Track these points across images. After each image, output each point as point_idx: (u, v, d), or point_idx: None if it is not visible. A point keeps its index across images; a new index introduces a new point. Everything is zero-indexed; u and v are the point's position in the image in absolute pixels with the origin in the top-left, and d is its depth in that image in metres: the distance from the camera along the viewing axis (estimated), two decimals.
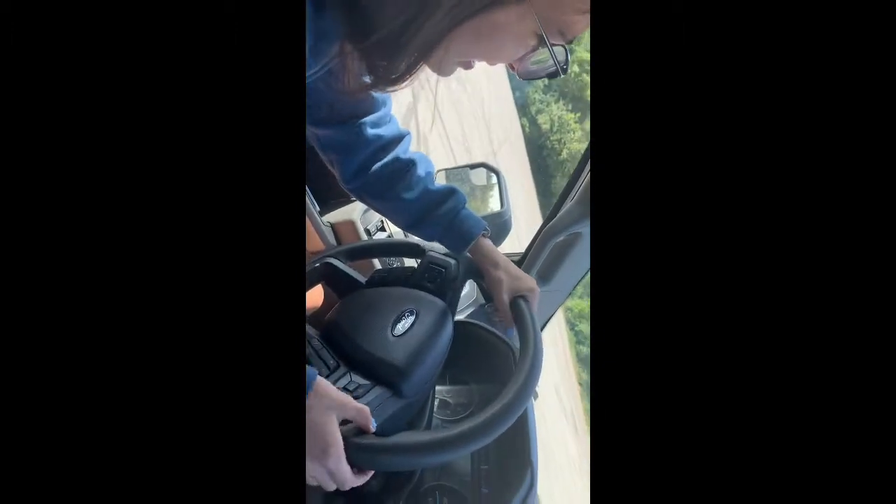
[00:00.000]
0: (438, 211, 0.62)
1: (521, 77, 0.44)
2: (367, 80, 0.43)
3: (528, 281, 0.59)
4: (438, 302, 0.59)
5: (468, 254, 0.63)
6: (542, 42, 0.38)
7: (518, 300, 0.58)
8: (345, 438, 0.41)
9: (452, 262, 0.64)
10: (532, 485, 0.58)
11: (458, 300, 0.64)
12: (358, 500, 0.57)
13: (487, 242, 0.63)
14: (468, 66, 0.42)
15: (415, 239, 0.68)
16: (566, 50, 0.40)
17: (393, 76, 0.41)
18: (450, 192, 0.63)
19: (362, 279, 0.65)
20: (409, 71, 0.40)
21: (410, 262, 0.75)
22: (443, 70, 0.42)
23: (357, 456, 0.43)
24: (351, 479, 0.41)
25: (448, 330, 0.57)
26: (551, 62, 0.40)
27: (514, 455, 0.62)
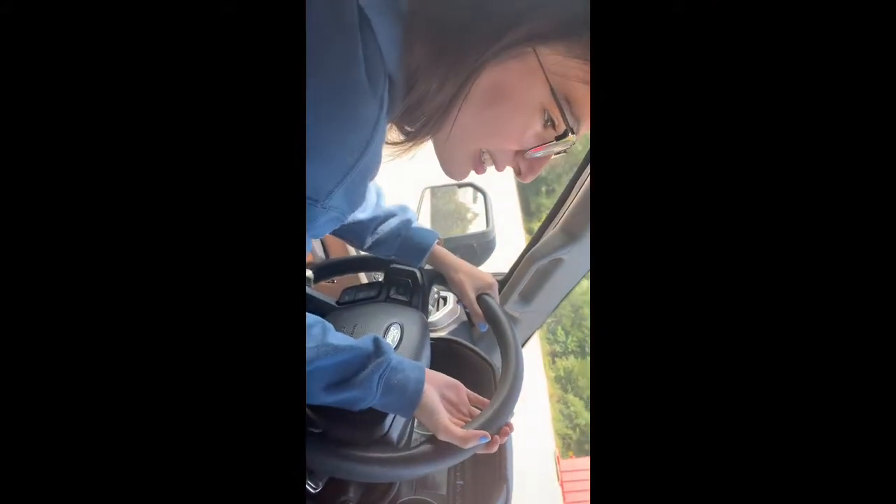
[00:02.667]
0: (391, 227, 0.66)
1: (528, 178, 0.41)
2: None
3: (487, 277, 0.68)
4: (416, 312, 0.63)
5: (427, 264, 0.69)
6: (549, 115, 0.36)
7: (484, 297, 0.66)
8: (335, 452, 0.44)
9: (416, 271, 0.69)
10: (507, 501, 0.60)
11: (427, 306, 0.69)
12: None
13: (441, 249, 0.69)
14: (478, 162, 0.41)
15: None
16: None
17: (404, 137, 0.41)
18: (400, 209, 0.67)
19: (332, 300, 0.68)
20: (416, 137, 0.40)
21: None
22: (455, 162, 0.42)
23: (338, 466, 0.45)
24: (461, 434, 0.46)
25: (428, 338, 0.61)
26: (558, 148, 0.38)
27: (489, 471, 0.64)
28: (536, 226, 0.83)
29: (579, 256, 0.71)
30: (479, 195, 1.08)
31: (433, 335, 0.75)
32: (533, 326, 0.92)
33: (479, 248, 1.03)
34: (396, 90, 0.36)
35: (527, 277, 0.77)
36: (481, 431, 0.47)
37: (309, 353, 0.41)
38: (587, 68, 0.34)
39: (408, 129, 0.41)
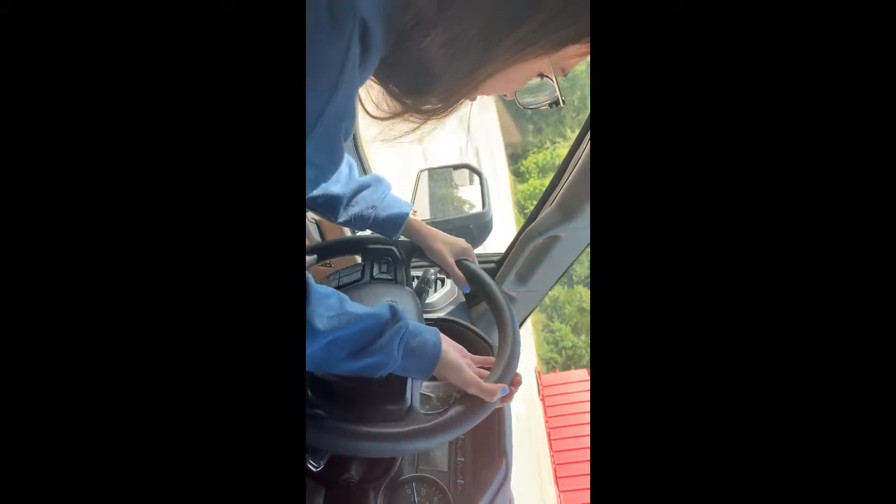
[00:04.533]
0: (365, 200, 0.66)
1: (523, 107, 0.46)
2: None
3: (462, 242, 0.70)
4: (403, 288, 0.64)
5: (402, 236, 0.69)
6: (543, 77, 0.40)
7: (464, 262, 0.69)
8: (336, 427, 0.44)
9: (393, 247, 0.70)
10: (506, 475, 0.61)
11: (410, 280, 0.70)
12: (341, 490, 0.59)
13: (416, 220, 0.69)
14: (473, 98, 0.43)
15: (350, 233, 0.72)
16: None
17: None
18: (374, 180, 0.67)
19: None
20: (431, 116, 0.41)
21: None
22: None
23: (340, 443, 0.45)
24: (488, 387, 0.48)
25: (420, 311, 0.62)
26: (547, 95, 0.43)
27: (489, 447, 0.65)
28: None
29: (576, 233, 0.70)
30: (476, 176, 1.07)
31: (431, 315, 0.75)
32: (530, 306, 0.92)
33: (475, 229, 1.03)
34: (372, 38, 0.35)
35: (523, 256, 0.77)
36: (501, 384, 0.49)
37: (329, 323, 0.42)
38: (585, 47, 0.36)
39: (406, 100, 0.40)
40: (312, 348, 0.41)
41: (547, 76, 0.40)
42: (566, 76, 0.41)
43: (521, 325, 0.99)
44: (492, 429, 0.66)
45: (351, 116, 0.38)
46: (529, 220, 0.79)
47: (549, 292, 0.89)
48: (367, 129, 0.47)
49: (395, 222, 0.67)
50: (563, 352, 9.09)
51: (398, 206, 0.67)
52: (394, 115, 0.41)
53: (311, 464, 0.53)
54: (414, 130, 0.42)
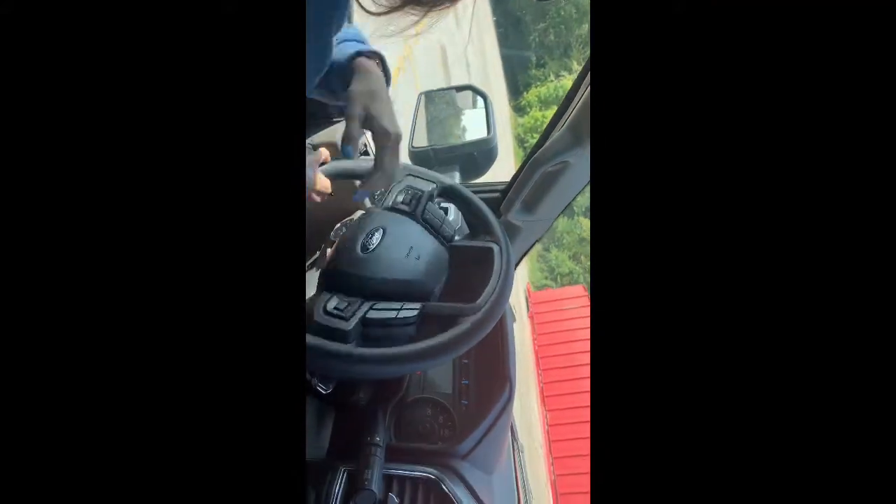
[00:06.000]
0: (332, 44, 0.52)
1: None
2: None
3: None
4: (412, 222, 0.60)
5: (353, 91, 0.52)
6: None
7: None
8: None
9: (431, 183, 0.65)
10: (510, 398, 0.63)
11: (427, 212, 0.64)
12: (350, 411, 0.61)
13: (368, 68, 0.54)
14: None
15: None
16: None
17: None
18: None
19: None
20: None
21: None
22: None
23: (348, 367, 0.45)
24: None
25: (418, 238, 0.59)
26: None
27: (493, 371, 0.66)
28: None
29: (586, 159, 0.67)
30: (479, 99, 1.01)
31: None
32: (535, 236, 0.90)
33: (479, 156, 0.99)
34: None
35: (531, 184, 0.74)
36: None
37: None
38: None
39: None
40: None
41: None
42: None
43: (523, 257, 0.99)
44: (496, 353, 0.68)
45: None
46: (537, 146, 0.75)
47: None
48: (365, 26, 0.42)
49: (341, 72, 0.54)
50: (559, 278, 9.20)
51: (346, 48, 0.54)
52: (392, 9, 0.37)
53: (319, 387, 0.55)
54: (414, 24, 0.38)
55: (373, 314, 0.49)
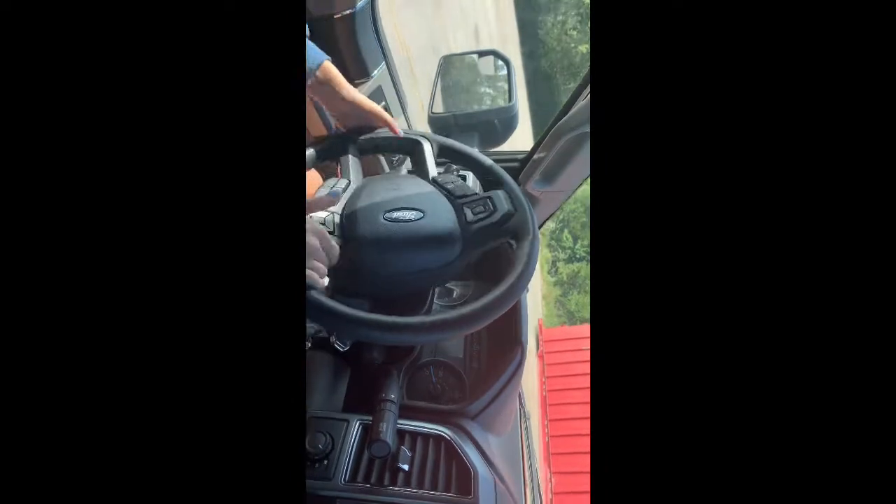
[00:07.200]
0: None
1: None
2: None
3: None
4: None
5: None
6: None
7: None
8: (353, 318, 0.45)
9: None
10: (521, 363, 0.64)
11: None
12: (365, 369, 0.63)
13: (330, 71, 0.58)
14: None
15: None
16: None
17: None
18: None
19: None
20: None
21: None
22: None
23: (365, 332, 0.46)
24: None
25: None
26: None
27: (504, 337, 0.68)
28: None
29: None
30: (502, 64, 0.99)
31: None
32: (552, 207, 0.90)
33: (500, 124, 0.97)
34: None
35: (552, 153, 0.73)
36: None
37: None
38: None
39: None
40: None
41: None
42: None
43: (540, 227, 0.98)
44: (508, 318, 0.69)
45: None
46: (560, 115, 0.74)
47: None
48: None
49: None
50: (564, 250, 9.15)
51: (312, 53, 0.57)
52: None
53: (337, 344, 0.56)
54: None
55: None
